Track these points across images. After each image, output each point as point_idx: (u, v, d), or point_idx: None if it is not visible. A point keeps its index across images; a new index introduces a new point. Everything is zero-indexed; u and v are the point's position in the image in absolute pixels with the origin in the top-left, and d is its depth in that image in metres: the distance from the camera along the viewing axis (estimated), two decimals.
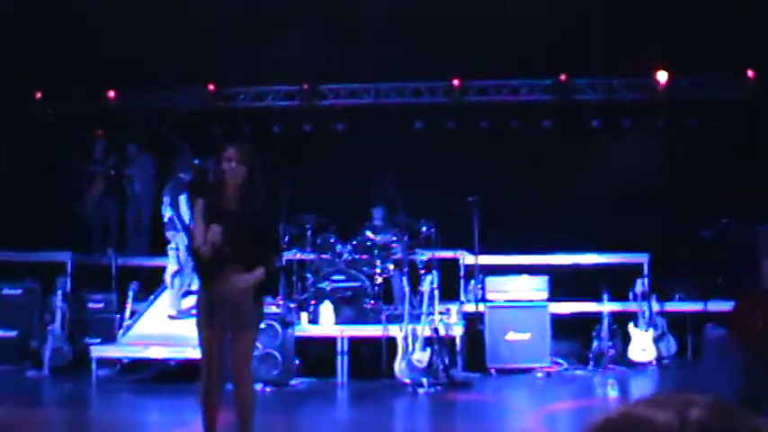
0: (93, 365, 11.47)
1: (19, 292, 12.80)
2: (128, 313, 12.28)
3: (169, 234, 11.76)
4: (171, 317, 11.69)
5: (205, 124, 14.47)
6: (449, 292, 12.26)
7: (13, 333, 12.61)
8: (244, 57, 13.24)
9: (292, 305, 11.84)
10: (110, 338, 12.20)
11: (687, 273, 12.84)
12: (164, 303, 11.98)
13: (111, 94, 14.86)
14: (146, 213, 14.03)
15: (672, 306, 12.45)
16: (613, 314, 12.10)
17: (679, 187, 13.25)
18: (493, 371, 11.74)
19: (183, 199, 11.55)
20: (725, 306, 12.06)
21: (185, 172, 11.51)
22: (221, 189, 6.36)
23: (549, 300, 12.11)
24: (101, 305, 12.76)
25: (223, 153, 6.37)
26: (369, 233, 12.43)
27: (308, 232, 12.26)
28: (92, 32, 12.43)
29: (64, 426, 9.56)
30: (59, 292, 12.32)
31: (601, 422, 1.18)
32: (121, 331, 12.10)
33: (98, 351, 11.66)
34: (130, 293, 12.32)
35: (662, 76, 13.66)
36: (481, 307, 12.19)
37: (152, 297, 12.28)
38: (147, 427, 9.39)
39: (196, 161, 10.79)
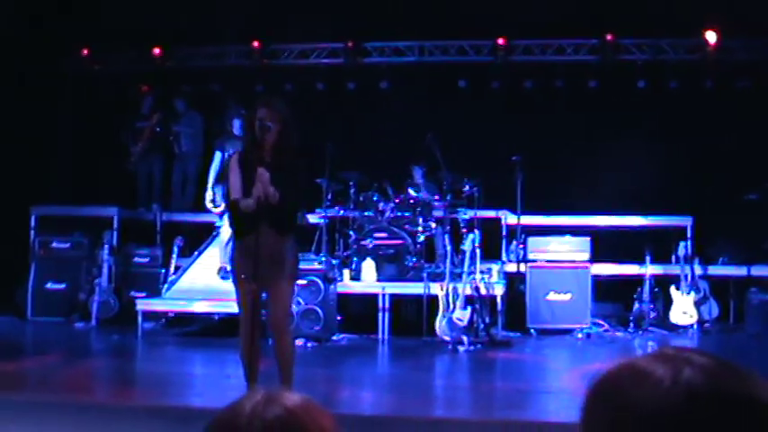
0: (139, 318, 11.72)
1: (67, 245, 13.08)
2: (172, 268, 12.51)
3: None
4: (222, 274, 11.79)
5: (249, 81, 14.57)
6: (490, 252, 12.32)
7: (62, 285, 12.91)
8: (289, 14, 13.26)
9: (335, 262, 11.97)
10: (155, 292, 12.45)
11: (731, 236, 12.78)
12: (211, 257, 12.13)
13: (157, 50, 14.98)
14: (191, 169, 14.20)
15: (715, 270, 12.42)
16: (655, 277, 12.12)
17: (725, 150, 13.14)
18: (533, 331, 11.83)
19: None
20: None
21: (232, 125, 11.66)
22: (255, 146, 6.43)
23: (591, 261, 12.14)
24: (146, 260, 13.02)
25: (255, 111, 6.45)
26: (411, 191, 12.52)
27: (351, 190, 12.36)
28: None
29: (111, 376, 9.78)
30: (106, 247, 12.59)
31: (607, 371, 1.25)
32: (166, 286, 12.34)
33: (143, 304, 11.91)
34: (175, 249, 12.54)
35: (711, 37, 13.49)
36: (522, 267, 12.26)
37: (196, 252, 12.47)
38: (191, 378, 9.59)
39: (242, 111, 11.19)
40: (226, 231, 11.59)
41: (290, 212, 6.62)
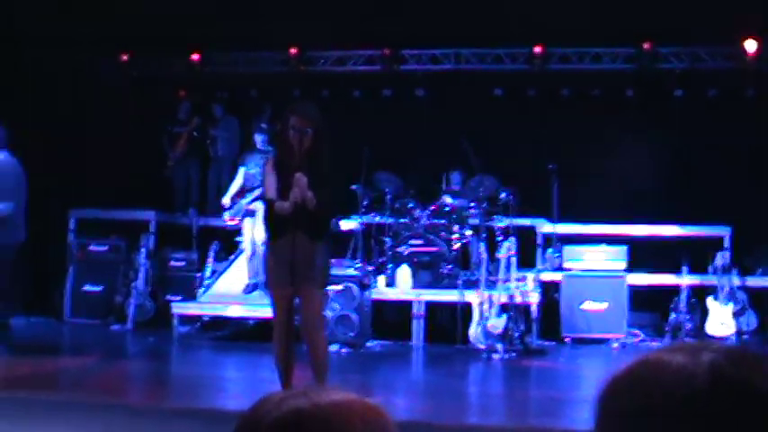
0: (175, 321, 11.82)
1: (105, 248, 13.21)
2: (208, 272, 12.57)
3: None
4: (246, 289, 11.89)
5: (286, 88, 14.61)
6: (526, 260, 12.25)
7: (99, 288, 13.03)
8: (327, 21, 13.29)
9: (370, 268, 11.97)
10: (190, 296, 12.53)
11: None
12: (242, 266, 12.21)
13: (195, 56, 15.06)
14: (227, 174, 14.26)
15: (754, 280, 12.27)
16: (692, 287, 11.98)
17: (765, 159, 12.99)
18: (568, 340, 11.76)
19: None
20: None
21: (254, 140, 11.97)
22: (289, 151, 6.45)
23: (627, 270, 12.07)
24: (182, 263, 13.11)
25: (288, 117, 6.49)
26: (447, 198, 12.48)
27: (387, 197, 12.35)
28: None
29: (146, 378, 9.83)
30: (143, 250, 12.69)
31: (623, 368, 1.23)
32: (202, 289, 12.40)
33: (179, 308, 12.00)
34: (211, 253, 12.61)
35: (750, 45, 13.36)
36: (558, 276, 12.19)
37: (232, 257, 12.54)
38: (225, 381, 9.62)
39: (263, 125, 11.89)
40: (248, 247, 11.67)
41: (325, 218, 6.69)
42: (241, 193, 11.89)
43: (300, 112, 6.54)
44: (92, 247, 13.13)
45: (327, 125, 6.68)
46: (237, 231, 12.32)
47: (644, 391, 1.17)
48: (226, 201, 11.99)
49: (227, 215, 11.98)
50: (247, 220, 11.83)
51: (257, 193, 11.33)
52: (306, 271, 6.38)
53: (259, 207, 11.38)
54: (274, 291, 6.56)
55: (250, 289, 11.78)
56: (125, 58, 15.12)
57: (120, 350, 11.30)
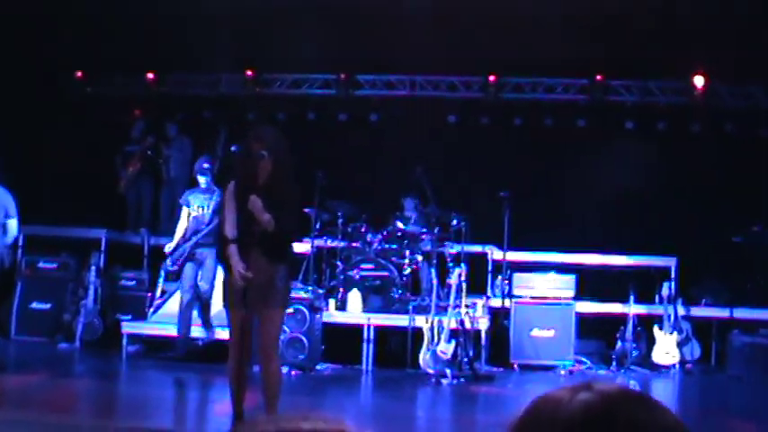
0: (124, 341, 11.70)
1: (54, 266, 13.06)
2: (158, 292, 12.48)
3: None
4: None
5: (242, 109, 14.62)
6: (476, 286, 12.33)
7: (47, 306, 12.87)
8: (282, 44, 13.34)
9: (321, 291, 11.97)
10: (140, 316, 12.43)
11: (715, 278, 12.87)
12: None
13: (150, 75, 15.03)
14: (179, 194, 14.18)
15: (698, 311, 12.48)
16: (638, 316, 12.17)
17: (711, 192, 13.25)
18: (516, 366, 11.84)
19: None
20: (752, 313, 12.11)
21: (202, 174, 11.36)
22: (249, 177, 6.48)
23: (575, 298, 12.22)
24: (132, 283, 13.00)
25: (249, 142, 6.52)
26: (399, 223, 12.55)
27: (339, 220, 12.38)
28: (132, 14, 12.58)
29: (93, 397, 9.73)
30: (93, 268, 12.58)
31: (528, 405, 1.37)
32: (152, 309, 12.31)
33: (129, 327, 11.90)
34: (162, 273, 12.51)
35: (699, 81, 13.65)
36: (507, 302, 12.29)
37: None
38: (174, 402, 9.56)
39: (233, 148, 10.94)
40: (186, 295, 11.18)
41: (285, 240, 6.66)
42: (185, 239, 11.26)
43: (257, 137, 6.55)
44: (41, 264, 12.96)
45: (288, 149, 6.68)
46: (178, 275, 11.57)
47: (533, 423, 1.35)
48: (169, 247, 11.38)
49: (168, 262, 11.41)
50: (189, 266, 11.20)
51: (202, 233, 11.08)
52: (266, 293, 6.41)
53: (206, 254, 11.08)
54: (231, 311, 6.55)
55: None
56: (80, 74, 15.05)
57: (68, 369, 11.16)
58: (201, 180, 11.26)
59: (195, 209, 11.19)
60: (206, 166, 11.26)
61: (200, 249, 11.11)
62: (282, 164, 6.53)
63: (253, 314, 6.49)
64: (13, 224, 10.27)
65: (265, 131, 6.82)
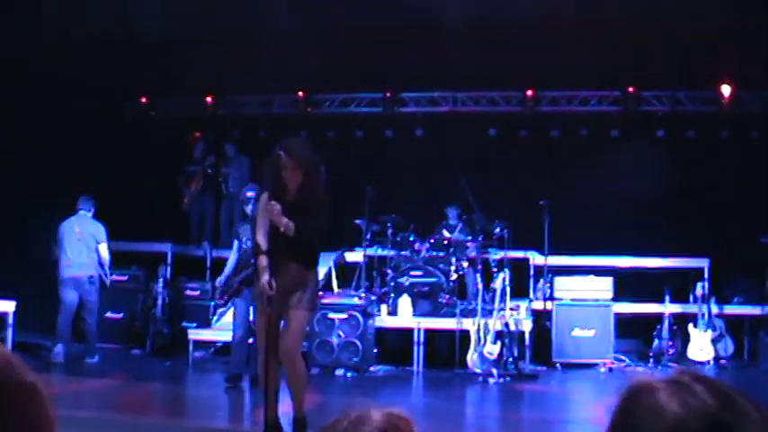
0: (190, 347, 12.02)
1: (125, 278, 13.41)
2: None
3: None
4: None
5: (294, 128, 14.89)
6: (519, 290, 12.51)
7: (119, 315, 13.25)
8: (332, 66, 13.57)
9: (373, 298, 12.19)
10: (205, 323, 12.73)
11: (747, 277, 12.90)
12: None
13: (209, 99, 15.37)
14: (238, 209, 14.48)
15: (730, 309, 12.54)
16: (674, 315, 12.26)
17: (740, 196, 13.28)
18: (558, 365, 11.98)
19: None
20: None
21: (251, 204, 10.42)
22: (282, 188, 6.49)
23: (614, 299, 12.31)
24: (197, 292, 13.30)
25: (276, 154, 6.42)
26: (445, 232, 12.75)
27: (389, 231, 12.60)
28: (190, 42, 12.89)
29: (163, 399, 10.06)
30: (161, 280, 12.94)
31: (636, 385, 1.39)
32: (215, 317, 12.62)
33: (194, 334, 12.21)
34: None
35: (726, 90, 13.70)
36: (549, 304, 12.43)
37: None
38: (237, 403, 9.80)
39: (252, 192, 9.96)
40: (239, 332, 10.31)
41: (308, 244, 6.54)
42: (237, 272, 10.26)
43: (289, 151, 6.46)
44: (113, 277, 13.34)
45: (317, 159, 6.67)
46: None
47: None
48: (219, 281, 10.53)
49: (218, 296, 10.67)
50: (240, 302, 10.18)
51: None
52: (293, 296, 6.42)
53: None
54: (262, 315, 6.52)
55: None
56: (144, 99, 15.45)
57: (140, 373, 11.49)
58: (248, 210, 10.19)
59: (245, 242, 10.18)
60: (250, 195, 10.00)
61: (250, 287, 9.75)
62: (311, 177, 6.50)
63: (279, 317, 6.47)
64: (102, 249, 11.97)
65: (292, 143, 6.68)
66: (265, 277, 6.34)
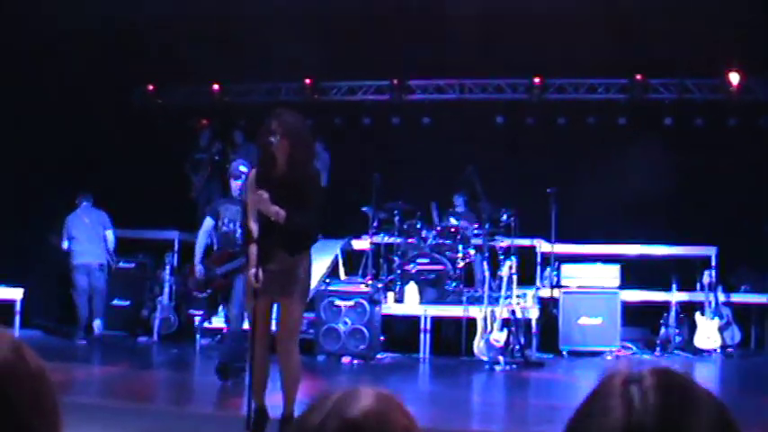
0: (197, 335, 11.95)
1: (132, 265, 13.39)
2: None
3: None
4: None
5: (301, 116, 14.76)
6: (526, 278, 12.41)
7: (126, 303, 13.21)
8: (339, 53, 13.48)
9: (380, 285, 12.13)
10: (211, 311, 12.64)
11: (753, 266, 12.79)
12: None
13: (216, 87, 15.29)
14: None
15: (737, 297, 12.43)
16: (681, 303, 12.17)
17: (748, 184, 13.15)
18: (565, 352, 11.90)
19: None
20: None
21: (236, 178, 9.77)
22: (270, 161, 6.10)
23: (621, 287, 12.23)
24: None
25: (266, 127, 6.07)
26: (452, 219, 12.66)
27: (396, 218, 12.51)
28: (197, 30, 12.80)
29: (170, 386, 10.01)
30: (167, 267, 12.88)
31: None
32: (221, 305, 12.52)
33: (201, 322, 12.13)
34: None
35: (734, 78, 13.55)
36: (556, 292, 12.34)
37: None
38: (242, 389, 9.73)
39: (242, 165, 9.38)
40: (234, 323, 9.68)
41: (301, 230, 6.16)
42: (221, 258, 9.24)
43: (278, 119, 6.10)
44: (120, 265, 13.29)
45: (308, 133, 6.37)
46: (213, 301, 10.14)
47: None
48: (200, 270, 9.45)
49: (191, 283, 9.81)
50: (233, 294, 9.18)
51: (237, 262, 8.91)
52: (285, 283, 6.10)
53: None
54: (252, 301, 6.18)
55: None
56: (151, 88, 15.37)
57: (147, 360, 11.47)
58: (235, 185, 9.24)
59: (227, 223, 9.31)
60: (243, 169, 9.07)
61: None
62: (300, 149, 6.12)
63: (271, 304, 6.21)
64: (110, 234, 12.71)
65: (283, 116, 6.18)
66: (252, 270, 6.04)
